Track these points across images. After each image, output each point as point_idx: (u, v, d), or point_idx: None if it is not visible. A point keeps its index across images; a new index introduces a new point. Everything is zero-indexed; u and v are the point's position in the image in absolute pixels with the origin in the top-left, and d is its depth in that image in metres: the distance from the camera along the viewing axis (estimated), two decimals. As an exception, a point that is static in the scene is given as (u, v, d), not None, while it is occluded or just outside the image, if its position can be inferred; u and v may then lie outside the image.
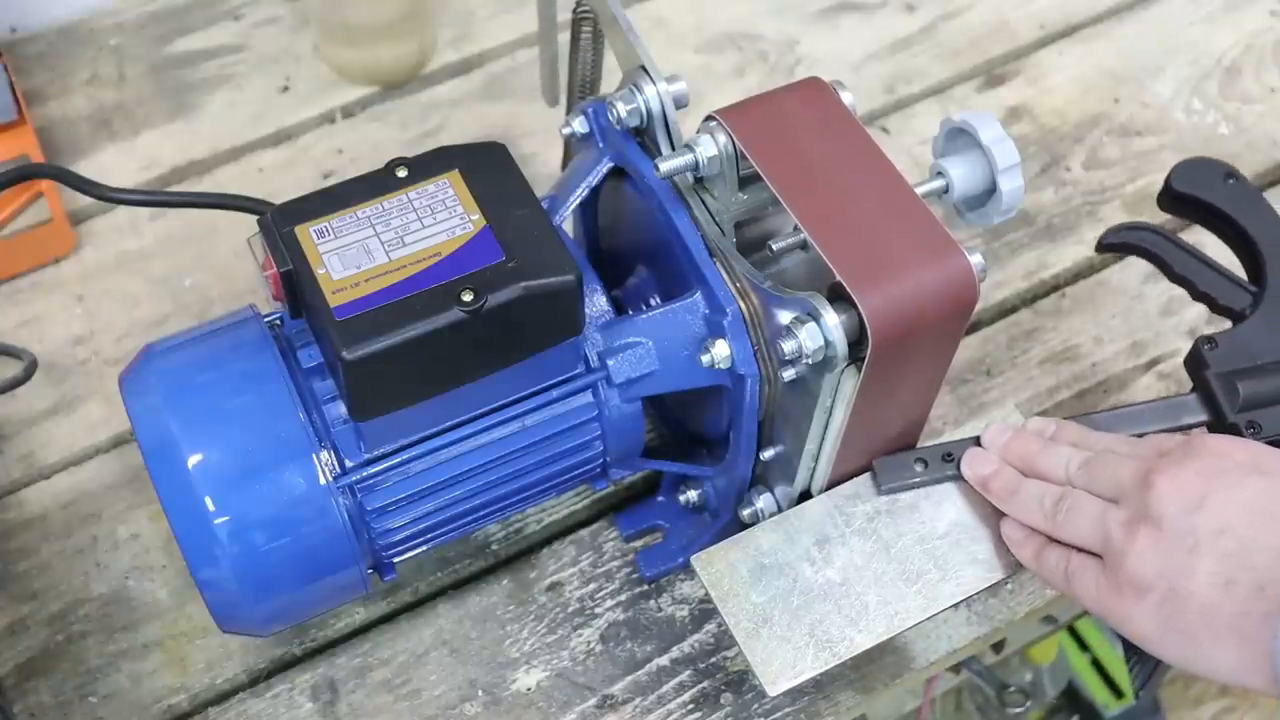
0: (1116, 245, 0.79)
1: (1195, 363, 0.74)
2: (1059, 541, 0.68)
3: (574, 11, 0.79)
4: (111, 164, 1.03)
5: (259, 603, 0.69)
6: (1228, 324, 0.76)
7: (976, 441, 0.73)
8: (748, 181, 0.71)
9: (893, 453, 0.74)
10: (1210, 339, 0.74)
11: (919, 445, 0.75)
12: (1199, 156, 0.80)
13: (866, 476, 0.74)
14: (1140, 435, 0.72)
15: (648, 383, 0.73)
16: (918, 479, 0.73)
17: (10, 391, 0.83)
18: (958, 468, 0.73)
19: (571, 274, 0.65)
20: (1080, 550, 0.66)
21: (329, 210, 0.67)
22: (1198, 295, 0.77)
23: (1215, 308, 0.77)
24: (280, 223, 0.66)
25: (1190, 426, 0.73)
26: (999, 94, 1.09)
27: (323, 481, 0.68)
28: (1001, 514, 0.72)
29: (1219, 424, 0.73)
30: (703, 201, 0.72)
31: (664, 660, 0.80)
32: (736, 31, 1.12)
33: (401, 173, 0.68)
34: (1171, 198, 0.79)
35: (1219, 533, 0.61)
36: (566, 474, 0.76)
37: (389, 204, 0.67)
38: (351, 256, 0.65)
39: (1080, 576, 0.66)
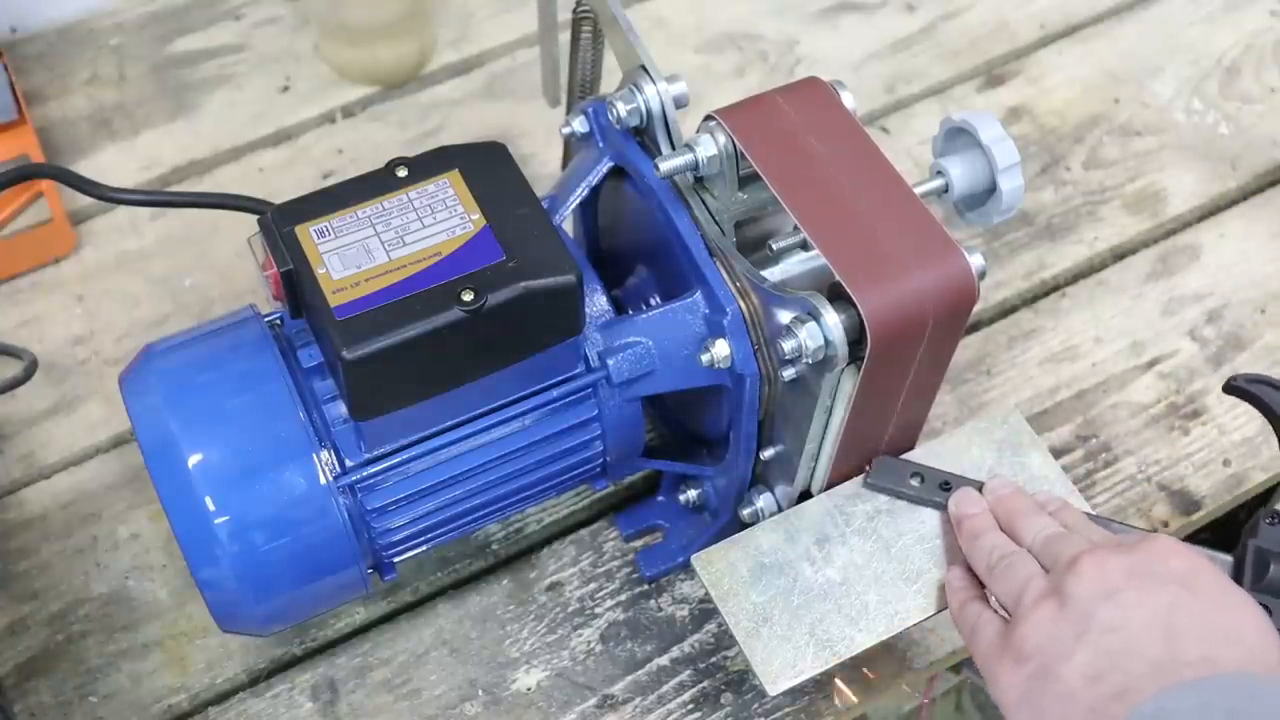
0: (1242, 393, 0.76)
1: (1250, 529, 0.72)
2: (990, 602, 0.67)
3: (574, 11, 0.79)
4: (111, 164, 1.03)
5: (259, 602, 0.69)
6: None
7: (980, 487, 0.72)
8: (747, 181, 0.71)
9: (896, 455, 0.74)
10: (1276, 515, 0.71)
11: (918, 446, 0.75)
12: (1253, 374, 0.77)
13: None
14: None
15: (648, 382, 0.73)
16: (907, 492, 0.73)
17: (10, 391, 0.83)
18: (945, 501, 0.72)
19: (571, 274, 0.65)
20: (999, 612, 0.66)
21: (329, 210, 0.67)
22: None
23: None
24: (280, 223, 0.66)
25: None
26: (999, 94, 1.09)
27: (323, 481, 0.68)
28: None
29: None
30: (703, 201, 0.72)
31: (664, 660, 0.80)
32: (736, 31, 1.12)
33: (401, 173, 0.68)
34: (1235, 388, 0.76)
35: (1111, 629, 0.59)
36: (566, 474, 0.76)
37: (389, 204, 0.67)
38: (351, 256, 0.65)
39: (981, 631, 0.65)
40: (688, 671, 0.80)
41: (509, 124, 1.06)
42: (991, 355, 0.94)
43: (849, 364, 0.65)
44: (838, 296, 0.64)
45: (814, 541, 0.72)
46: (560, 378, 0.72)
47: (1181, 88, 1.09)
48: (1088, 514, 0.71)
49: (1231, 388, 0.76)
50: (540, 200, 0.68)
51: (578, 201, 0.76)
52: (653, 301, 0.77)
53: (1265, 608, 0.67)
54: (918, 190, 0.69)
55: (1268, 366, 0.77)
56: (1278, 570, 0.69)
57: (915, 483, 0.73)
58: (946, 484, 0.73)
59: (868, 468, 0.73)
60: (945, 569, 0.71)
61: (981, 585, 0.68)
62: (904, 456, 0.75)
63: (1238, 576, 0.70)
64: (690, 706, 0.79)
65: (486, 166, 0.69)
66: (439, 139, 1.05)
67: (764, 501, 0.76)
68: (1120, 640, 0.59)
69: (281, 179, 1.02)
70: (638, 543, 0.85)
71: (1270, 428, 0.74)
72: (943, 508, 0.72)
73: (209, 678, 0.80)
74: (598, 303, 0.74)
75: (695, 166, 0.70)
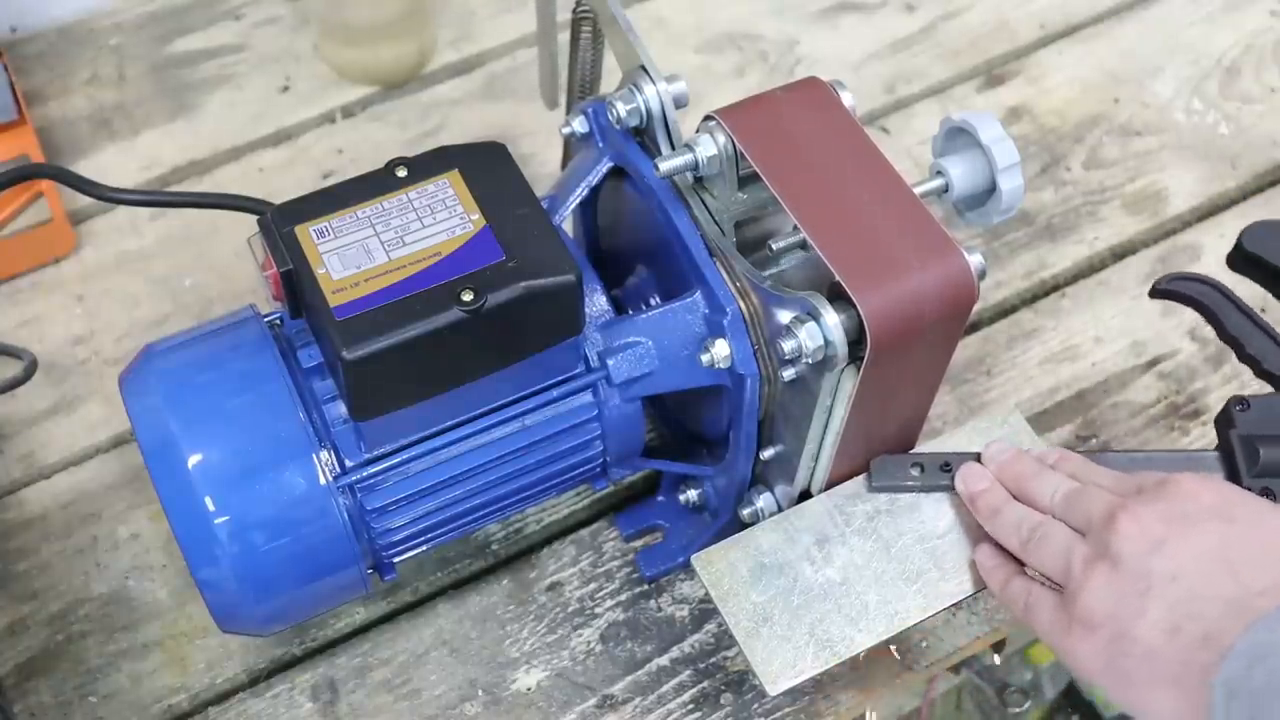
0: (1169, 293, 0.77)
1: (1224, 421, 0.73)
2: (1027, 573, 0.68)
3: (574, 11, 0.79)
4: (111, 164, 1.03)
5: (259, 603, 0.69)
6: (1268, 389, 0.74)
7: (977, 457, 0.73)
8: (747, 181, 0.71)
9: (892, 453, 0.74)
10: (1243, 400, 0.73)
11: (918, 447, 0.75)
12: (1274, 219, 0.77)
13: (867, 476, 0.74)
14: None
15: (648, 382, 0.73)
16: (911, 483, 0.73)
17: (10, 391, 0.83)
18: (953, 479, 0.72)
19: (571, 274, 0.65)
20: (1044, 582, 0.66)
21: (329, 210, 0.67)
22: (1244, 357, 0.74)
23: (1259, 371, 0.74)
24: (280, 223, 0.66)
25: None
26: (999, 94, 1.09)
27: (323, 481, 0.68)
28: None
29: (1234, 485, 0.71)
30: (702, 201, 0.72)
31: (664, 660, 0.80)
32: (736, 31, 1.12)
33: (401, 173, 0.68)
34: (1240, 256, 0.77)
35: (1172, 578, 0.60)
36: (566, 474, 0.76)
37: (389, 204, 0.67)
38: (351, 256, 0.65)
39: (1037, 608, 0.65)
40: (688, 672, 0.80)
41: (509, 124, 1.06)
42: (991, 355, 0.94)
43: (849, 364, 0.65)
44: (837, 296, 0.64)
45: (814, 541, 0.72)
46: (560, 378, 0.72)
47: (1181, 88, 1.09)
48: (1088, 455, 0.72)
49: (1160, 292, 0.77)
50: (540, 200, 0.68)
51: (578, 201, 0.76)
52: (653, 301, 0.77)
53: (1269, 491, 0.68)
54: (918, 190, 0.69)
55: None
56: (1268, 451, 0.70)
57: (916, 473, 0.73)
58: (947, 465, 0.73)
59: (869, 469, 0.73)
60: (962, 549, 0.71)
61: (1012, 558, 0.69)
62: (904, 456, 0.75)
63: (1232, 469, 0.71)
64: (690, 707, 0.79)
65: (486, 166, 0.69)
66: (439, 139, 1.05)
67: (764, 501, 0.76)
68: (1184, 588, 0.59)
69: (281, 179, 1.02)
70: (638, 543, 0.85)
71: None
72: (950, 489, 0.72)
73: (209, 678, 0.80)
74: (598, 303, 0.74)
75: (695, 166, 0.70)
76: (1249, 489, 0.70)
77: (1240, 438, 0.72)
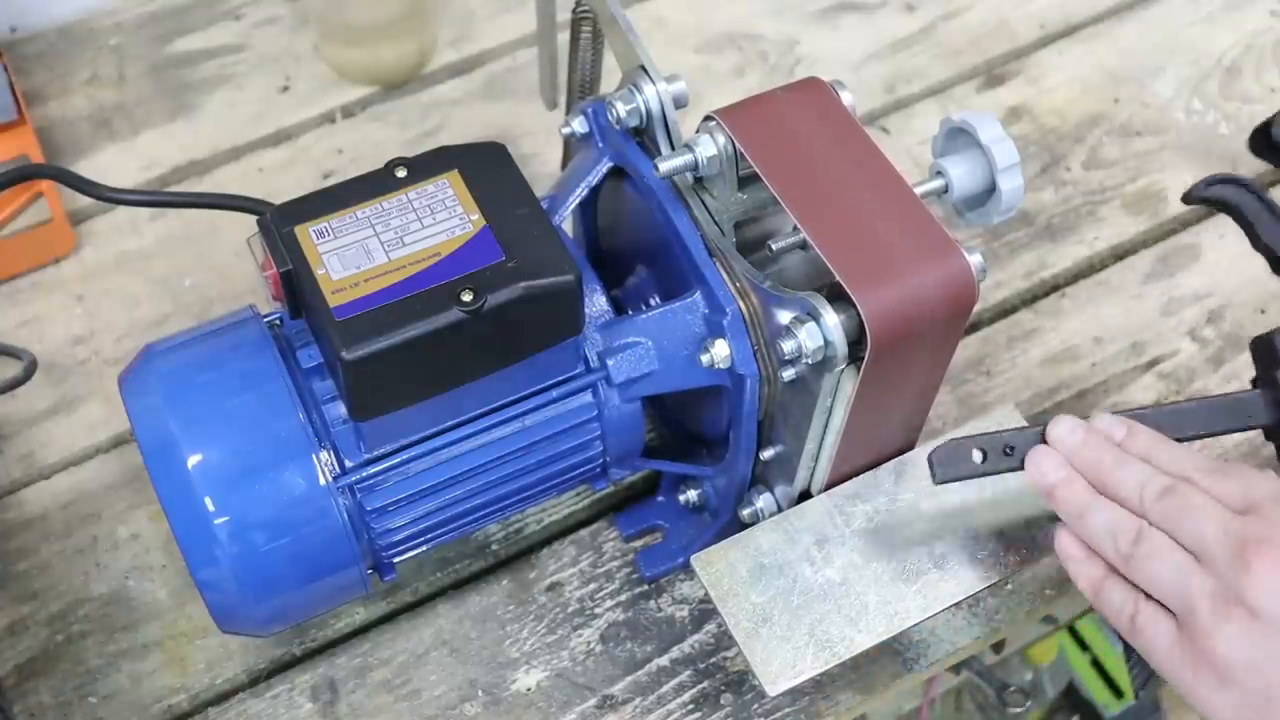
0: (1205, 199, 0.72)
1: (1266, 356, 0.68)
2: (1122, 578, 0.64)
3: (574, 11, 0.79)
4: (111, 164, 1.03)
5: (259, 603, 0.69)
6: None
7: (1041, 437, 0.68)
8: (747, 181, 0.71)
9: (896, 455, 0.74)
10: None
11: (919, 446, 0.75)
12: None
13: (867, 476, 0.74)
14: (1207, 436, 0.68)
15: (647, 383, 0.73)
16: (978, 470, 0.68)
17: (10, 391, 0.83)
18: (1018, 462, 0.68)
19: (571, 274, 0.65)
20: (1149, 598, 0.63)
21: (329, 210, 0.67)
22: (1278, 267, 0.70)
23: None
24: (280, 223, 0.66)
25: (1254, 428, 0.69)
26: (999, 94, 1.09)
27: (322, 482, 0.68)
28: (1009, 512, 0.71)
29: None
30: (702, 201, 0.72)
31: (664, 660, 0.80)
32: (736, 31, 1.12)
33: (401, 173, 0.68)
34: (1267, 143, 0.73)
35: None
36: (566, 474, 0.76)
37: (389, 204, 0.67)
38: (351, 257, 0.65)
39: (1152, 632, 0.62)
40: (688, 672, 0.80)
41: (509, 124, 1.06)
42: (991, 355, 0.94)
43: (849, 364, 0.65)
44: (837, 297, 0.64)
45: (814, 542, 0.73)
46: (560, 378, 0.72)
47: (1181, 88, 1.09)
48: (1133, 414, 0.68)
49: (1196, 198, 0.73)
50: (540, 200, 0.68)
51: (578, 201, 0.76)
52: (652, 302, 0.77)
53: None
54: (918, 190, 0.69)
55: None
56: None
57: (979, 459, 0.68)
58: (1010, 447, 0.68)
59: (930, 464, 0.69)
60: (961, 548, 0.70)
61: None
62: (905, 457, 0.74)
63: (1278, 405, 0.67)
64: (690, 707, 0.79)
65: (486, 166, 0.69)
66: (439, 139, 1.05)
67: (764, 502, 0.76)
68: None
69: (281, 179, 1.02)
70: (638, 543, 0.85)
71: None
72: (1018, 469, 0.68)
73: (209, 678, 0.80)
74: (597, 303, 0.74)
75: (695, 167, 0.70)
76: None
77: None
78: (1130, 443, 0.66)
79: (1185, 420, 0.69)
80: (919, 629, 0.80)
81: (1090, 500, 0.65)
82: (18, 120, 0.97)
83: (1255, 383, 0.70)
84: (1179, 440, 0.68)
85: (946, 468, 0.68)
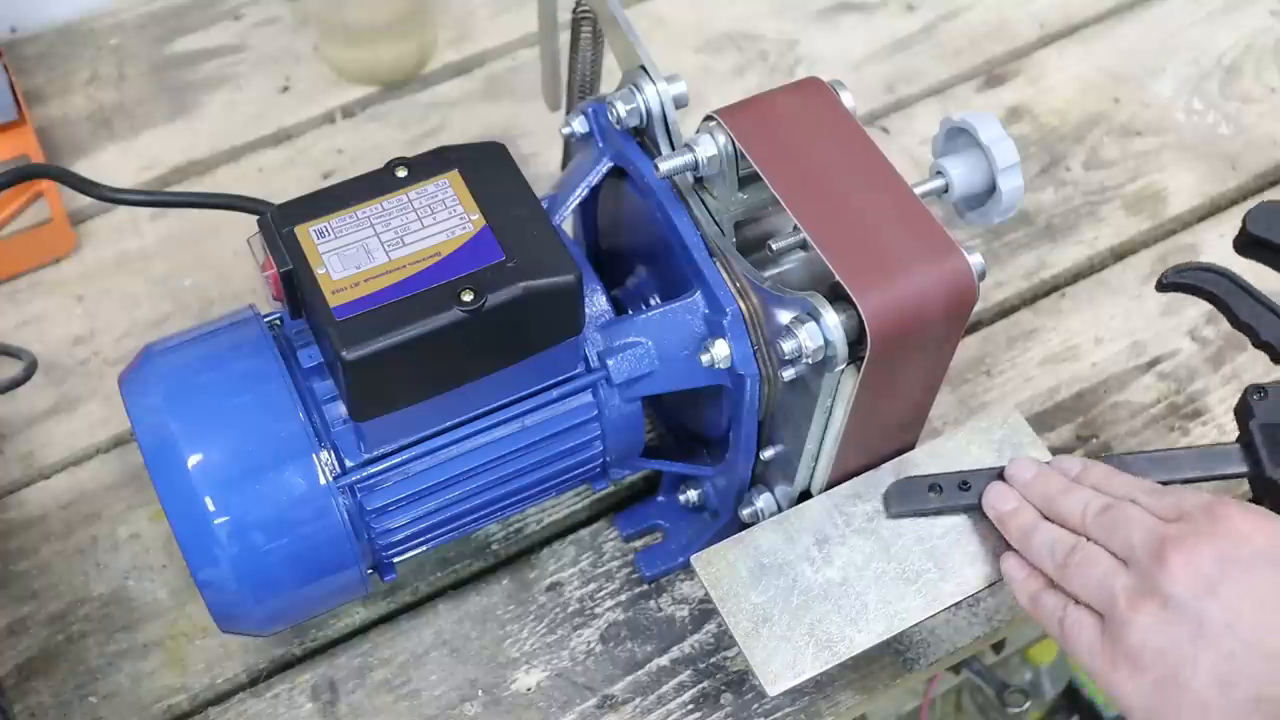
0: (1177, 285, 0.75)
1: (1243, 412, 0.71)
2: (1056, 588, 0.67)
3: (574, 11, 0.79)
4: (111, 164, 1.03)
5: (259, 603, 0.69)
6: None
7: (1000, 475, 0.72)
8: (747, 181, 0.71)
9: (896, 455, 0.74)
10: (1261, 389, 0.71)
11: (919, 446, 0.75)
12: (1275, 200, 0.76)
13: (867, 476, 0.74)
14: (1185, 483, 0.70)
15: (647, 382, 0.73)
16: (931, 506, 0.72)
17: (10, 391, 0.83)
18: (975, 498, 0.72)
19: (571, 274, 0.65)
20: (1079, 603, 0.65)
21: (329, 210, 0.67)
22: (1259, 343, 0.73)
23: (1275, 357, 0.73)
24: (280, 223, 0.66)
25: (1229, 477, 0.71)
26: (999, 94, 1.09)
27: (323, 481, 0.68)
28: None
29: (1259, 478, 0.71)
30: (702, 201, 0.72)
31: (664, 660, 0.80)
32: (736, 31, 1.12)
33: (401, 173, 0.68)
34: (1247, 241, 0.75)
35: (1226, 627, 0.59)
36: (566, 474, 0.76)
37: (389, 204, 0.67)
38: (351, 256, 0.65)
39: (1076, 631, 0.64)
40: (688, 672, 0.80)
41: (509, 124, 1.06)
42: (991, 355, 0.94)
43: (849, 364, 0.65)
44: (837, 297, 0.64)
45: (814, 542, 0.72)
46: (560, 378, 0.72)
47: (1181, 88, 1.09)
48: (1109, 460, 0.71)
49: (1167, 285, 0.75)
50: (540, 200, 0.68)
51: (578, 201, 0.76)
52: (652, 301, 0.77)
53: None
54: (918, 190, 0.69)
55: (1267, 365, 0.77)
56: None
57: (934, 496, 0.72)
58: (965, 483, 0.72)
59: (884, 496, 0.73)
60: (961, 548, 0.71)
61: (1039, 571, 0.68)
62: (905, 457, 0.75)
63: (1255, 461, 0.70)
64: (690, 707, 0.79)
65: (486, 166, 0.69)
66: (439, 139, 1.05)
67: (764, 501, 0.76)
68: (1239, 640, 0.59)
69: (281, 179, 1.02)
70: (638, 543, 0.85)
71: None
72: (972, 508, 0.72)
73: (209, 678, 0.80)
74: (598, 303, 0.74)
75: (695, 166, 0.70)
76: (1272, 479, 0.69)
77: (1261, 427, 0.70)
78: (1084, 476, 0.70)
79: (1166, 468, 0.72)
80: (919, 629, 0.80)
81: (1036, 524, 0.69)
82: (18, 120, 0.97)
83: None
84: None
85: (900, 503, 0.72)
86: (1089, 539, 0.66)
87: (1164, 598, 0.61)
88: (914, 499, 0.72)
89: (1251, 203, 1.02)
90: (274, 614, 0.72)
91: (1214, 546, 0.61)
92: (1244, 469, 0.71)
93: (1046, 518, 0.69)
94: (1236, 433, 0.73)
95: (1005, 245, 1.00)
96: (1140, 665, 0.61)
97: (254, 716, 0.79)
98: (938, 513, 0.72)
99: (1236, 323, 0.74)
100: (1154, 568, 0.61)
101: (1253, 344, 0.74)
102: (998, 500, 0.71)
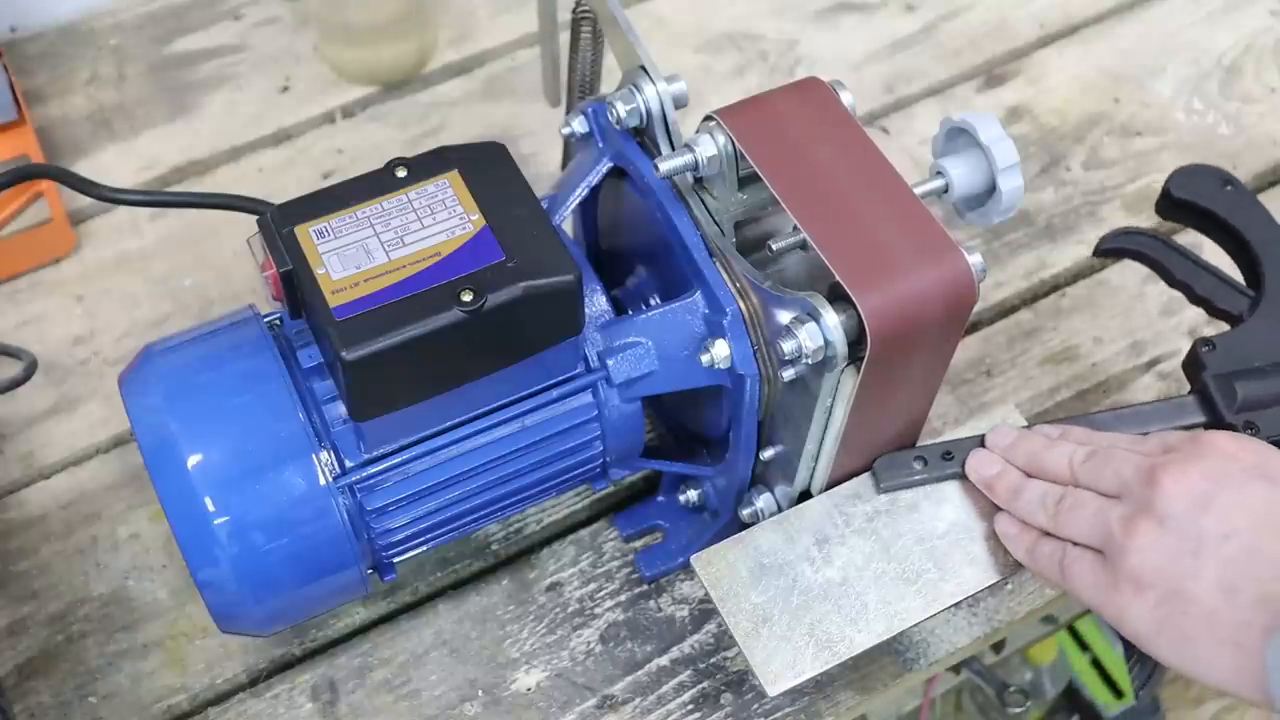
0: (1114, 250, 0.80)
1: (1193, 365, 0.74)
2: (1055, 537, 0.67)
3: (574, 11, 0.79)
4: (111, 164, 1.03)
5: (259, 603, 0.69)
6: (1226, 327, 0.76)
7: (980, 442, 0.73)
8: (747, 181, 0.71)
9: (892, 453, 0.74)
10: (1208, 341, 0.74)
11: (919, 444, 0.75)
12: (1196, 163, 0.81)
13: (867, 476, 0.74)
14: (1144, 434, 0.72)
15: (647, 383, 0.73)
16: (918, 477, 0.73)
17: (10, 391, 0.83)
18: (959, 466, 0.73)
19: (571, 274, 0.65)
20: (1077, 545, 0.66)
21: (329, 210, 0.67)
22: (1195, 299, 0.77)
23: (1213, 311, 0.77)
24: (280, 223, 0.66)
25: (1190, 427, 0.73)
26: (999, 94, 1.09)
27: (323, 482, 0.68)
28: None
29: (1217, 425, 0.73)
30: (702, 201, 0.72)
31: (664, 660, 0.80)
32: (736, 31, 1.12)
33: (401, 173, 0.68)
34: (1170, 203, 0.80)
35: (1225, 537, 0.60)
36: (566, 474, 0.76)
37: (389, 204, 0.67)
38: (351, 256, 0.65)
39: (1076, 568, 0.65)
40: (688, 672, 0.80)
41: (509, 124, 1.06)
42: (991, 355, 0.94)
43: (849, 364, 0.65)
44: (837, 297, 0.64)
45: (814, 542, 0.73)
46: (560, 378, 0.72)
47: (1181, 88, 1.09)
48: (1076, 420, 0.73)
49: (1105, 250, 0.80)
50: (540, 200, 0.68)
51: (578, 202, 0.76)
52: (652, 301, 0.77)
53: (1251, 425, 0.70)
54: (918, 190, 0.69)
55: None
56: (1244, 386, 0.72)
57: (920, 466, 0.73)
58: (949, 454, 0.73)
59: (873, 470, 0.73)
60: (960, 548, 0.72)
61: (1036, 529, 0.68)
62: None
63: (1211, 408, 0.72)
64: (690, 707, 0.79)
65: (486, 166, 0.69)
66: (439, 139, 1.05)
67: (764, 502, 0.76)
68: (1238, 547, 0.60)
69: (281, 179, 1.02)
70: (638, 543, 0.85)
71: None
72: (960, 476, 0.73)
73: (209, 678, 0.80)
74: (597, 303, 0.74)
75: (695, 167, 0.70)
76: (1232, 425, 0.71)
77: (1214, 377, 0.73)
78: (1065, 436, 0.71)
79: (1130, 422, 0.73)
80: (919, 629, 0.80)
81: (1023, 482, 0.69)
82: (18, 120, 0.97)
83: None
84: None
85: (888, 476, 0.73)
86: (1078, 485, 0.67)
87: (1159, 517, 0.61)
88: (901, 472, 0.73)
89: (1251, 203, 1.03)
90: (274, 614, 0.72)
91: (1203, 466, 0.62)
92: (1203, 418, 0.73)
93: (1031, 477, 0.69)
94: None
95: (1005, 245, 1.00)
96: (1143, 585, 0.61)
97: (254, 716, 0.79)
98: (925, 482, 0.73)
99: (1173, 281, 0.78)
100: (1147, 493, 0.62)
101: (1189, 300, 0.77)
102: (981, 465, 0.71)
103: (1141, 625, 0.62)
